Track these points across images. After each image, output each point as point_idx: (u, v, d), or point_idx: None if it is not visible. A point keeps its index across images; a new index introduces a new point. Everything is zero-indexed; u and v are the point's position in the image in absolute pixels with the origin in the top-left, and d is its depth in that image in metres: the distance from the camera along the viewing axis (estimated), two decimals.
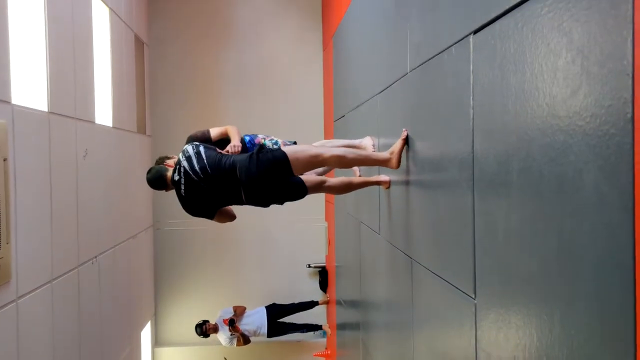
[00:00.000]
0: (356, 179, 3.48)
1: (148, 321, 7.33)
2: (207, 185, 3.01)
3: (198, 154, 3.06)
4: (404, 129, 2.90)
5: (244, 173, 2.95)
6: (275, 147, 3.68)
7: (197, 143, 3.18)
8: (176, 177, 3.07)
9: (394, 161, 2.94)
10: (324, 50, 7.44)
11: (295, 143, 3.91)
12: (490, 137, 1.81)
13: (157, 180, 3.20)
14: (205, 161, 3.02)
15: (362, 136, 4.02)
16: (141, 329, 6.92)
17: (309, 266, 7.74)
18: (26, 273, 3.46)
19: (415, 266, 2.75)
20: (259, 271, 7.75)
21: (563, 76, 1.35)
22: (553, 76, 1.39)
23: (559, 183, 1.37)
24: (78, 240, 4.46)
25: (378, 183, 3.39)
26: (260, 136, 3.97)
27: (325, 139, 7.00)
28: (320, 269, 7.68)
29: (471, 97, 1.95)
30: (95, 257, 4.91)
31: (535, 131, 1.48)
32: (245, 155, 3.04)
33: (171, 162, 3.24)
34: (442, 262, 2.35)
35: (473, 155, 1.93)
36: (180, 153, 3.14)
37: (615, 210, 1.15)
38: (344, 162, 3.08)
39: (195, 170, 3.01)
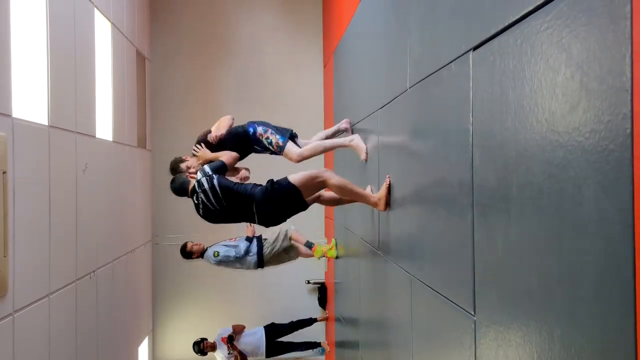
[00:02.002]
0: (357, 188, 3.50)
1: (145, 337, 7.28)
2: (223, 212, 3.48)
3: (213, 188, 3.44)
4: (387, 176, 3.26)
5: (260, 207, 3.37)
6: (269, 146, 4.08)
7: (210, 174, 3.50)
8: (195, 200, 3.52)
9: (381, 205, 3.32)
10: (324, 66, 7.48)
11: (295, 135, 4.19)
12: (489, 152, 1.81)
13: (181, 191, 3.64)
14: (220, 195, 3.41)
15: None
16: (138, 345, 6.87)
17: (308, 282, 7.71)
18: (23, 286, 3.44)
19: (415, 283, 2.74)
20: (258, 286, 7.71)
21: (562, 92, 1.35)
22: (552, 92, 1.39)
23: (559, 199, 1.36)
24: (76, 254, 4.44)
25: (374, 205, 3.41)
26: (259, 130, 4.13)
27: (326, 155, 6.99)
28: (319, 285, 7.64)
29: (471, 113, 1.95)
30: (94, 271, 4.89)
31: (535, 147, 1.48)
32: (260, 190, 3.39)
33: (191, 166, 3.91)
34: (442, 278, 2.33)
35: (472, 171, 1.93)
36: (196, 182, 3.51)
37: (615, 226, 1.15)
38: (343, 191, 3.41)
39: (212, 202, 3.44)
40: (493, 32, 1.75)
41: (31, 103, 3.70)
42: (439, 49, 2.34)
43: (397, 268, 3.11)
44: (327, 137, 4.48)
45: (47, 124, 3.90)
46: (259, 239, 6.23)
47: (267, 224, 3.53)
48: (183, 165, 4.06)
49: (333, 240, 6.20)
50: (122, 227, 5.98)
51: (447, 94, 2.25)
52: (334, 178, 3.36)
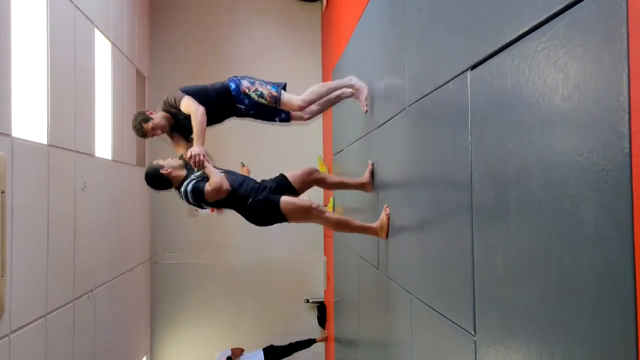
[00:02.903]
0: (355, 222, 3.44)
1: (143, 357, 7.22)
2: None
3: (194, 190, 3.30)
4: (385, 206, 3.27)
5: (246, 213, 3.32)
6: (260, 99, 3.57)
7: (193, 179, 3.33)
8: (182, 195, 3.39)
9: (383, 234, 3.30)
10: None
11: (284, 86, 3.68)
12: (488, 171, 1.81)
13: (156, 181, 3.51)
14: (200, 196, 3.29)
15: (362, 169, 4.00)
16: None
17: (307, 301, 7.66)
18: (20, 307, 3.41)
19: (415, 302, 2.72)
20: (257, 305, 7.66)
21: (560, 112, 1.35)
22: (550, 111, 1.40)
23: (558, 217, 1.36)
24: (74, 274, 4.42)
25: (375, 234, 3.39)
26: (244, 83, 3.58)
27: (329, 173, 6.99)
28: (318, 304, 7.60)
29: (469, 132, 1.95)
30: (91, 290, 4.86)
31: (534, 166, 1.48)
32: (251, 200, 3.27)
33: (157, 127, 3.52)
34: (442, 298, 2.32)
35: (471, 190, 1.93)
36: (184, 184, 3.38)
37: (614, 245, 1.14)
38: (341, 227, 3.38)
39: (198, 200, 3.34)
40: (490, 51, 1.76)
41: (31, 122, 3.71)
42: (437, 68, 2.35)
43: (397, 287, 3.10)
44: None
45: (46, 143, 3.90)
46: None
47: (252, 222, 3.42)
48: (148, 126, 3.51)
49: (331, 199, 6.29)
50: (121, 246, 5.95)
51: (445, 112, 2.26)
52: (330, 218, 3.31)
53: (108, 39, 5.52)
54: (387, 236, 3.29)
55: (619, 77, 1.12)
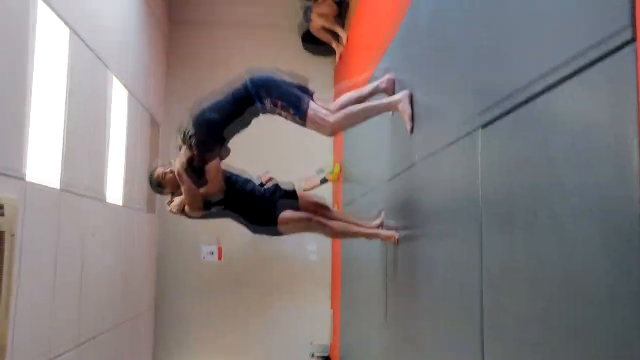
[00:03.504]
0: (355, 227, 3.48)
1: None
2: None
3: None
4: (395, 233, 3.24)
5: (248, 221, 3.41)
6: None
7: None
8: None
9: (394, 238, 3.27)
10: (334, 137, 7.57)
11: (312, 92, 3.29)
12: (499, 230, 1.80)
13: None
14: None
15: (371, 216, 3.93)
16: None
17: (313, 355, 7.52)
18: (22, 351, 3.38)
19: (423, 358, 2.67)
20: (262, 355, 7.53)
21: (572, 170, 1.36)
22: (562, 169, 1.40)
23: (570, 274, 1.34)
24: (79, 319, 4.39)
25: (386, 238, 3.36)
26: (268, 105, 3.17)
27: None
28: (324, 358, 7.45)
29: (480, 192, 1.96)
30: (95, 337, 4.81)
31: (545, 223, 1.47)
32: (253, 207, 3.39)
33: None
34: (451, 353, 2.27)
35: (481, 246, 1.92)
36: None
37: (627, 304, 1.13)
38: (346, 235, 3.52)
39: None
40: (501, 111, 1.78)
41: (45, 166, 3.75)
42: (447, 125, 2.38)
43: (406, 342, 3.04)
44: (361, 100, 3.35)
45: (59, 187, 3.94)
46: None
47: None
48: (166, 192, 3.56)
49: (337, 165, 6.49)
50: (127, 291, 5.92)
51: (455, 169, 2.27)
52: (333, 227, 3.36)
53: (125, 86, 5.65)
54: (397, 241, 3.25)
55: (630, 142, 1.13)
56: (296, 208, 3.42)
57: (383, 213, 3.63)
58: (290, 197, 3.48)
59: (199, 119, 3.19)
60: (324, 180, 6.90)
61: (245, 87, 3.14)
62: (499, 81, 1.82)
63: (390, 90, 3.26)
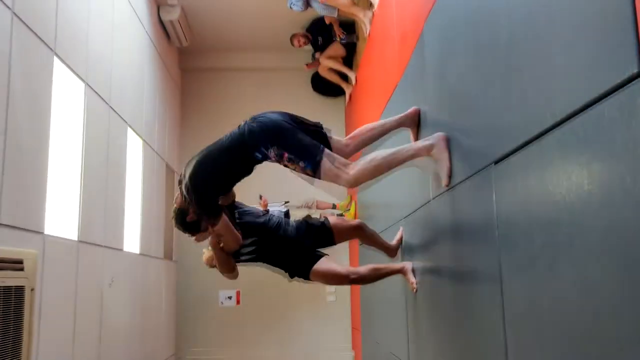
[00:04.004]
0: (383, 269, 3.37)
1: None
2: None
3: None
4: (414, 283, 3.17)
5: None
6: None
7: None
8: None
9: (413, 288, 3.20)
10: None
11: (327, 132, 2.86)
12: (517, 266, 1.78)
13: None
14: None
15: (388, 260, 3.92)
16: None
17: None
18: None
19: None
20: None
21: (586, 208, 1.35)
22: (576, 207, 1.39)
23: (591, 316, 1.32)
24: None
25: (410, 282, 3.24)
26: (272, 154, 2.67)
27: (351, 265, 6.94)
28: None
29: (496, 228, 1.94)
30: None
31: (565, 261, 1.46)
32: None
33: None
34: None
35: (501, 286, 1.89)
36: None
37: None
38: (376, 277, 3.37)
39: None
40: (514, 146, 1.78)
41: (62, 219, 3.80)
42: (461, 161, 2.38)
43: None
44: (383, 132, 2.91)
45: (76, 239, 3.97)
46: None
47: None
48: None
49: (353, 203, 6.66)
50: (145, 341, 5.88)
51: (471, 205, 2.26)
52: (365, 277, 3.33)
53: (139, 135, 5.74)
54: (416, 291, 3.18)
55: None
56: (332, 242, 3.35)
57: (402, 228, 3.58)
58: (322, 233, 3.30)
59: (191, 185, 2.75)
60: (334, 207, 7.00)
61: (242, 137, 2.67)
62: (509, 117, 1.83)
63: (415, 124, 2.89)
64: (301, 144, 2.59)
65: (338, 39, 6.86)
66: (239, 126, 2.74)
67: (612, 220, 1.24)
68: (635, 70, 1.16)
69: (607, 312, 1.26)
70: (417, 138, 2.90)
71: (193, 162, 2.77)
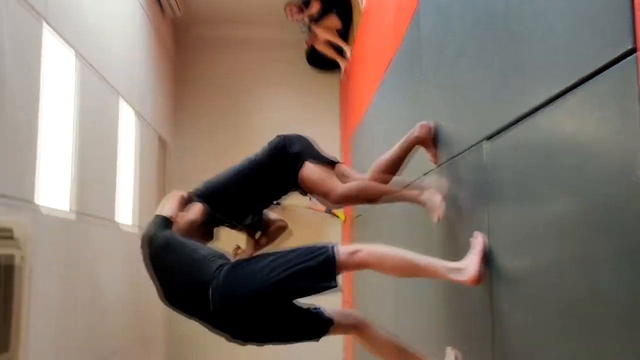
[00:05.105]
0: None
1: None
2: None
3: None
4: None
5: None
6: None
7: None
8: None
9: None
10: (341, 151, 7.58)
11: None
12: (505, 246, 1.79)
13: None
14: None
15: (378, 235, 3.91)
16: None
17: None
18: None
19: None
20: None
21: (573, 184, 1.35)
22: (563, 183, 1.39)
23: (586, 297, 1.33)
24: (91, 343, 4.38)
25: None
26: None
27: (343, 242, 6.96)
28: None
29: (487, 205, 1.95)
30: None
31: (549, 235, 1.46)
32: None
33: None
34: None
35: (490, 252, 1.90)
36: None
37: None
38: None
39: None
40: (506, 122, 1.77)
41: (55, 190, 3.78)
42: (454, 138, 2.37)
43: None
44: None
45: (68, 209, 3.96)
46: None
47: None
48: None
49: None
50: (138, 315, 5.91)
51: (462, 181, 2.26)
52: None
53: (132, 108, 5.68)
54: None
55: (633, 153, 1.12)
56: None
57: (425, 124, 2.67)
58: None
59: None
60: (329, 211, 6.82)
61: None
62: (506, 92, 1.82)
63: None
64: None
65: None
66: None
67: (604, 195, 1.24)
68: (630, 47, 1.15)
69: (587, 278, 1.27)
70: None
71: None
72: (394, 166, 2.69)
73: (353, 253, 2.13)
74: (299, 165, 2.58)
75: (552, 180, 1.47)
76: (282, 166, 2.63)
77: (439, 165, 2.56)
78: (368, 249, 2.15)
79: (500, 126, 1.82)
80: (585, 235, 1.31)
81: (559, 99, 1.43)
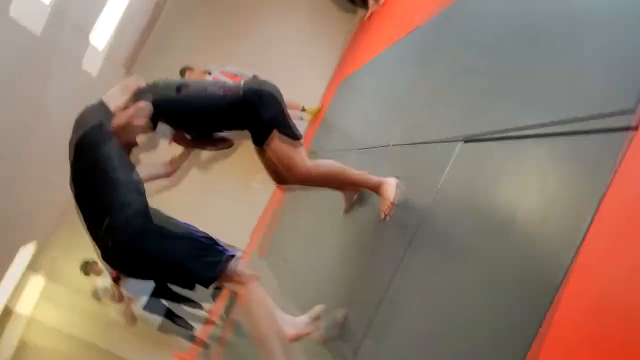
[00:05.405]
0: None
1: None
2: None
3: None
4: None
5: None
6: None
7: None
8: None
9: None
10: (324, 95, 7.47)
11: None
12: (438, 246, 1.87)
13: None
14: None
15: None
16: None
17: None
18: None
19: None
20: None
21: (528, 216, 1.43)
22: (517, 207, 1.48)
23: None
24: None
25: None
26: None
27: None
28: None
29: (434, 194, 2.03)
30: None
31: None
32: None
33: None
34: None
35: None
36: None
37: None
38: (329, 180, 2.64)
39: None
40: (488, 135, 1.83)
41: None
42: (433, 125, 2.42)
43: None
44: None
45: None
46: None
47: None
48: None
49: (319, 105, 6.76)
50: None
51: (423, 167, 2.33)
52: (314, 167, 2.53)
53: None
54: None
55: (584, 216, 1.20)
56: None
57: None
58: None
59: None
60: (303, 109, 6.93)
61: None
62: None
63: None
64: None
65: None
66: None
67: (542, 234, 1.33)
68: (628, 123, 1.21)
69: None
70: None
71: None
72: (340, 183, 2.70)
73: (242, 283, 2.20)
74: (266, 132, 2.48)
75: (507, 197, 1.55)
76: (248, 124, 2.54)
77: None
78: (254, 296, 2.21)
79: (482, 136, 1.88)
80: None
81: (546, 137, 1.50)
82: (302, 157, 2.50)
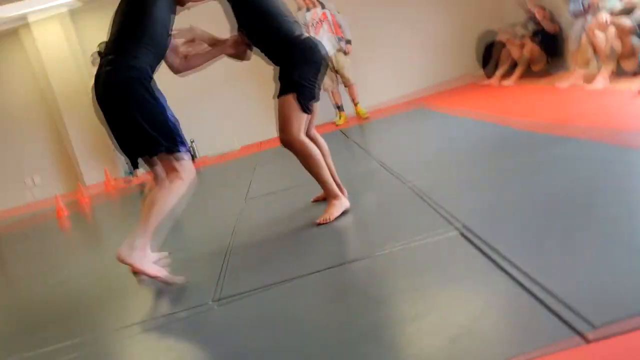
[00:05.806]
0: None
1: None
2: None
3: None
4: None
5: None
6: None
7: None
8: None
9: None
10: None
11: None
12: None
13: None
14: None
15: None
16: None
17: None
18: None
19: None
20: None
21: None
22: None
23: None
24: None
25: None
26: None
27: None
28: None
29: None
30: None
31: None
32: None
33: None
34: None
35: None
36: None
37: None
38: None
39: None
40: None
41: None
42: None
43: None
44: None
45: None
46: None
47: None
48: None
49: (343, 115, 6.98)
50: None
51: None
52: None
53: None
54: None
55: None
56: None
57: None
58: None
59: None
60: (356, 104, 7.08)
61: None
62: None
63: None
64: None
65: None
66: None
67: None
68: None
69: None
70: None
71: None
72: (310, 170, 2.86)
73: (178, 172, 2.51)
74: (286, 89, 2.70)
75: None
76: (281, 66, 2.75)
77: None
78: (178, 189, 2.51)
79: None
80: None
81: None
82: (298, 127, 2.70)
